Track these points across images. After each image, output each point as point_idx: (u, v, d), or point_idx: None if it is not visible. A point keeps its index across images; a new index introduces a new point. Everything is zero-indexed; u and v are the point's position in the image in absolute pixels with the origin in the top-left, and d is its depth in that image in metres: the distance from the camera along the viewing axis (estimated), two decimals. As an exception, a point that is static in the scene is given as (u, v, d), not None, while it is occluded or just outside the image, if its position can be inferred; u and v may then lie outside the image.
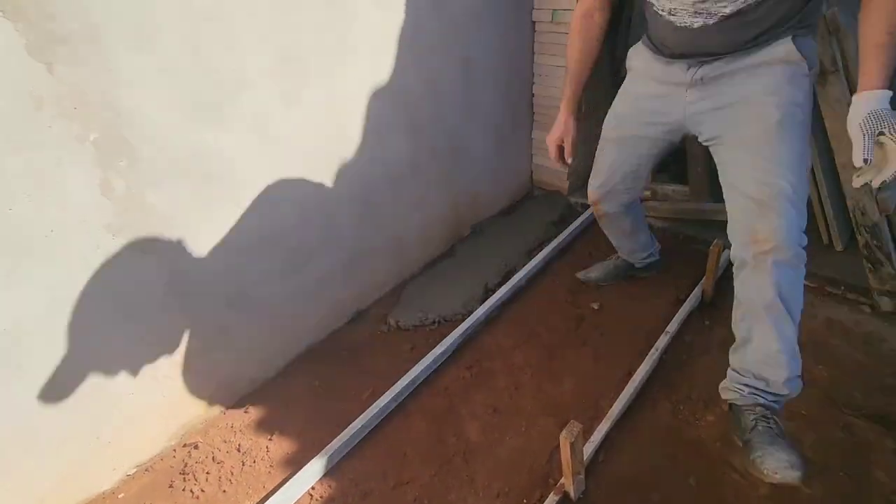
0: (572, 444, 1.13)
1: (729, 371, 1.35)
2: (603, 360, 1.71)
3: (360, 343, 1.86)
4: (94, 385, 1.31)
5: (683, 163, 2.29)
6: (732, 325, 1.33)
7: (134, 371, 1.38)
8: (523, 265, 2.14)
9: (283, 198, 1.56)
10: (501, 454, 1.45)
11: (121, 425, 1.40)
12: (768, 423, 1.22)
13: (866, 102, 1.03)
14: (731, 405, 1.34)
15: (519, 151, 2.55)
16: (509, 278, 2.07)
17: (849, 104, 1.60)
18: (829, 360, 1.65)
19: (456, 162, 2.19)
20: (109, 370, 1.33)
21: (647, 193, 2.38)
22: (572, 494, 1.28)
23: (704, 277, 1.89)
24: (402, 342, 1.85)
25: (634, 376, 1.59)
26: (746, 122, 1.22)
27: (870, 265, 1.72)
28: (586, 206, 2.53)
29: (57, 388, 1.24)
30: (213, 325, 1.51)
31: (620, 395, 1.53)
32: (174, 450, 1.51)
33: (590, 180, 1.71)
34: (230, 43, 1.29)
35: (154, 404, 1.45)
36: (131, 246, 1.26)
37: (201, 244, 1.41)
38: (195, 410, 1.56)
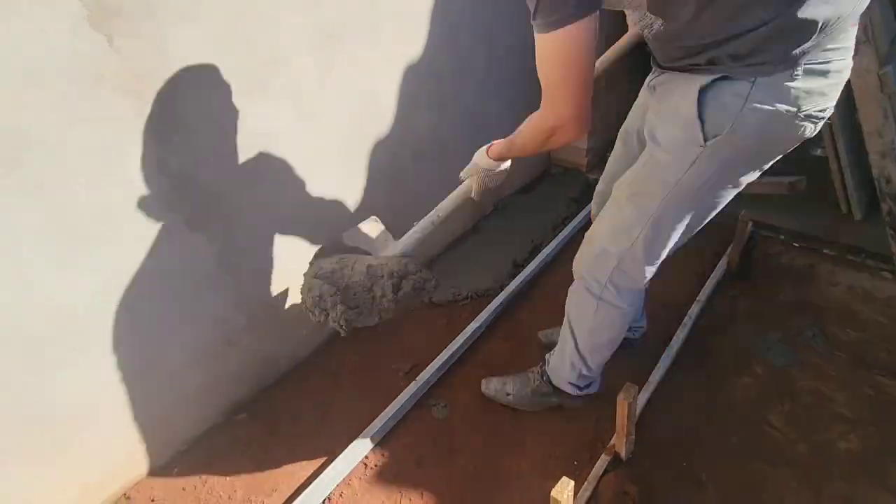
0: (629, 405, 1.17)
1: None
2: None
3: (395, 319, 1.88)
4: (148, 362, 1.32)
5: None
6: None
7: (186, 348, 1.39)
8: (549, 240, 2.17)
9: (320, 174, 1.56)
10: (548, 421, 1.49)
11: (175, 402, 1.41)
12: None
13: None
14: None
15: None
16: (536, 254, 2.10)
17: (878, 75, 1.63)
18: (854, 324, 1.70)
19: (478, 139, 2.17)
20: (163, 348, 1.34)
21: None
22: (623, 454, 1.33)
23: (731, 248, 1.93)
24: (436, 317, 1.88)
25: (671, 343, 1.63)
26: (640, 156, 1.11)
27: (893, 232, 1.77)
28: (605, 182, 2.56)
29: (115, 366, 1.25)
30: (258, 301, 1.52)
31: (659, 362, 1.58)
32: (227, 417, 1.54)
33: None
34: (274, 19, 1.28)
35: (206, 380, 1.47)
36: (184, 223, 1.26)
37: (247, 221, 1.41)
38: (245, 386, 1.58)
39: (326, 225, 1.63)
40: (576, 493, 1.19)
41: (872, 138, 1.71)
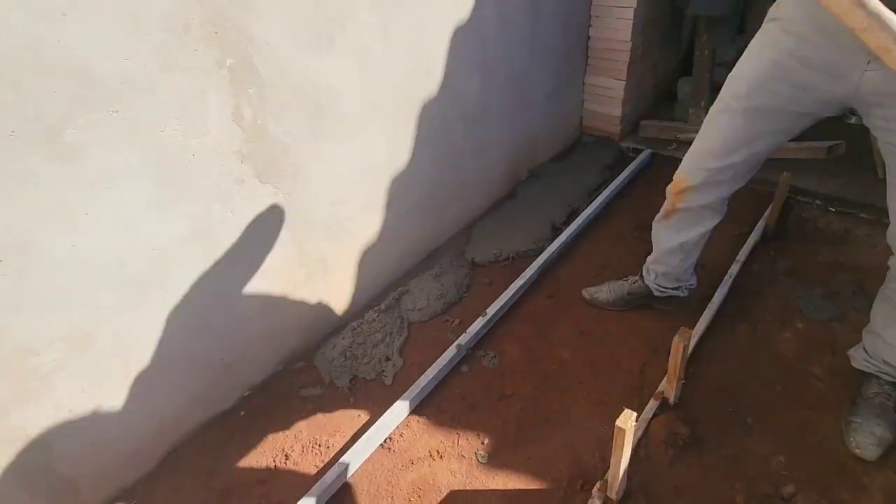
0: (684, 347, 1.23)
1: (862, 347, 1.39)
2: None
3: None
4: (220, 308, 1.39)
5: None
6: (872, 309, 1.35)
7: (253, 297, 1.46)
8: (586, 205, 2.21)
9: (375, 129, 1.60)
10: (595, 369, 1.55)
11: (242, 348, 1.49)
12: (888, 398, 1.31)
13: None
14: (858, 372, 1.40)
15: (573, 97, 2.57)
16: (574, 218, 2.14)
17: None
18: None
19: (519, 105, 2.22)
20: (233, 295, 1.41)
21: (702, 135, 2.42)
22: (671, 399, 1.39)
23: (769, 210, 1.96)
24: (479, 276, 1.93)
25: (713, 300, 1.68)
26: None
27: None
28: (638, 151, 2.58)
29: (192, 312, 1.32)
30: (314, 255, 1.58)
31: (702, 316, 1.62)
32: (286, 365, 1.61)
33: (687, 159, 1.40)
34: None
35: (268, 328, 1.54)
36: (255, 174, 1.32)
37: (311, 175, 1.46)
38: (301, 337, 1.65)
39: (379, 183, 1.69)
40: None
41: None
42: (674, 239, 1.51)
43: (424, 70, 1.70)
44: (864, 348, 1.38)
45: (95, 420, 1.22)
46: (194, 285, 1.30)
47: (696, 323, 1.61)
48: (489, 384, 1.54)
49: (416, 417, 1.47)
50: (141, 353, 1.26)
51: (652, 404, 1.38)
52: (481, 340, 1.67)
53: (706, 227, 1.48)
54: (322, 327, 1.72)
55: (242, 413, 1.51)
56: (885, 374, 1.34)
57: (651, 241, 1.61)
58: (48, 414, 1.14)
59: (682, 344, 1.21)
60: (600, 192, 2.29)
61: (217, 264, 1.32)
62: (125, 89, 1.02)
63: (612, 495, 1.19)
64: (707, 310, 1.64)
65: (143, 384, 1.28)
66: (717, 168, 1.33)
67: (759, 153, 1.29)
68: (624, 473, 1.16)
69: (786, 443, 1.32)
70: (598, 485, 1.21)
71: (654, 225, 1.58)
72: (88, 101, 0.98)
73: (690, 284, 1.65)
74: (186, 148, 1.16)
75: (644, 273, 1.68)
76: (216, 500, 1.29)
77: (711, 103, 1.34)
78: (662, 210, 1.53)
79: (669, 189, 1.48)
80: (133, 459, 1.34)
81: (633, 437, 1.28)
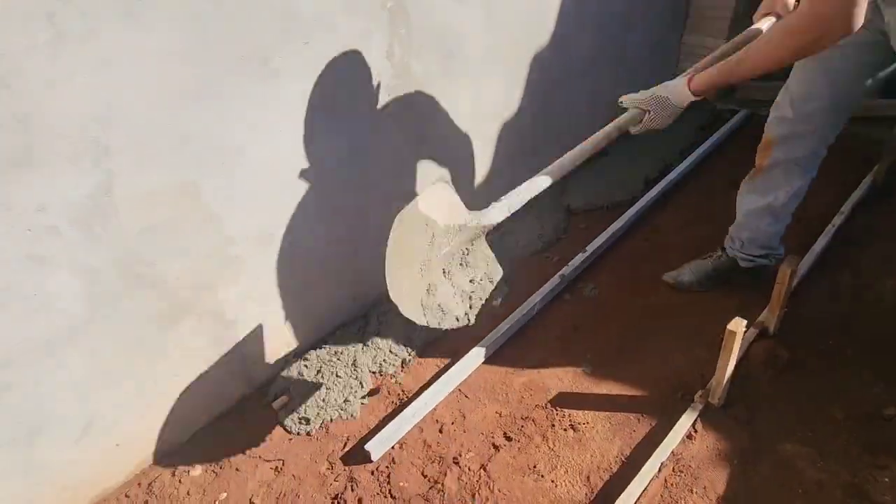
0: (791, 273, 1.31)
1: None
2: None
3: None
4: (343, 237, 1.61)
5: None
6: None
7: (378, 227, 1.67)
8: (679, 162, 2.26)
9: (494, 78, 1.76)
10: (692, 303, 1.65)
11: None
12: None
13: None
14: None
15: (667, 56, 2.60)
16: (667, 173, 2.21)
17: None
18: None
19: (618, 63, 2.30)
20: (361, 226, 1.62)
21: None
22: (771, 329, 1.47)
23: (877, 166, 1.94)
24: (575, 222, 2.06)
25: (814, 246, 1.71)
26: None
27: None
28: (734, 112, 2.58)
29: (345, 223, 1.55)
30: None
31: (803, 259, 1.67)
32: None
33: (771, 113, 1.42)
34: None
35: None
36: (397, 106, 1.51)
37: (440, 113, 1.64)
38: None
39: (490, 126, 1.85)
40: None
41: None
42: (760, 200, 1.50)
43: (537, 24, 1.83)
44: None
45: (266, 308, 1.49)
46: (348, 198, 1.52)
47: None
48: (590, 311, 1.68)
49: (525, 334, 1.64)
50: (306, 255, 1.50)
51: (751, 332, 1.47)
52: (581, 273, 1.81)
53: (794, 186, 1.46)
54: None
55: (326, 348, 1.74)
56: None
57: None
58: (236, 296, 1.40)
59: (789, 269, 1.30)
60: (693, 151, 2.33)
61: (366, 180, 1.54)
62: (316, 25, 1.23)
63: (714, 401, 1.31)
64: (808, 254, 1.69)
65: (303, 284, 1.53)
66: (797, 117, 1.34)
67: (838, 100, 1.31)
68: (727, 380, 1.27)
69: (887, 375, 1.37)
70: (700, 392, 1.33)
71: (742, 186, 1.56)
72: (290, 33, 1.20)
73: (778, 253, 1.60)
74: (351, 80, 1.37)
75: (728, 244, 1.64)
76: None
77: None
78: (750, 172, 1.54)
79: (758, 148, 1.50)
80: (288, 346, 1.60)
81: (736, 354, 1.38)
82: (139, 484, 1.39)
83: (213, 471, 1.40)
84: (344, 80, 1.36)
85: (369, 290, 1.76)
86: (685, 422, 1.29)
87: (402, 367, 1.59)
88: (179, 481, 1.38)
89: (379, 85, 1.44)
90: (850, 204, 1.86)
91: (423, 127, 1.62)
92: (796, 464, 1.22)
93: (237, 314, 1.43)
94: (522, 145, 2.02)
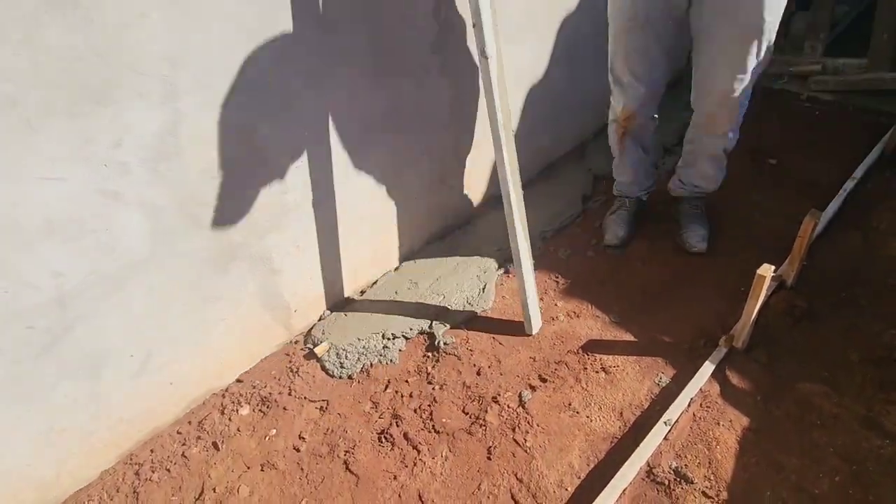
0: (814, 226, 1.38)
1: (677, 179, 1.85)
2: (792, 201, 1.92)
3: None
4: (395, 182, 1.66)
5: (860, 33, 2.34)
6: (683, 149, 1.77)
7: (419, 176, 1.72)
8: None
9: (527, 41, 1.80)
10: (713, 259, 1.73)
11: (407, 221, 1.77)
12: (697, 208, 1.81)
13: None
14: (675, 198, 1.87)
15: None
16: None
17: None
18: None
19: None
20: (404, 174, 1.67)
21: (817, 67, 2.45)
22: (789, 282, 1.55)
23: (888, 135, 2.02)
24: (598, 186, 2.13)
25: (827, 210, 1.79)
26: None
27: None
28: (746, 84, 2.63)
29: (392, 169, 1.60)
30: (465, 146, 1.83)
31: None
32: (428, 243, 1.89)
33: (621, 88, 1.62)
34: None
35: (425, 208, 1.81)
36: (438, 67, 1.55)
37: (476, 73, 1.68)
38: (442, 221, 1.92)
39: (520, 89, 1.89)
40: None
41: None
42: (632, 158, 1.80)
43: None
44: (679, 179, 1.84)
45: (310, 258, 1.54)
46: (391, 143, 1.57)
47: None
48: (615, 267, 1.76)
49: (552, 288, 1.71)
50: (350, 209, 1.55)
51: (771, 285, 1.54)
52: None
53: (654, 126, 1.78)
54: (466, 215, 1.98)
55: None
56: (695, 193, 1.82)
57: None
58: (284, 244, 1.45)
59: (812, 222, 1.37)
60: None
61: (398, 141, 1.59)
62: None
63: (738, 344, 1.40)
64: (823, 215, 1.77)
65: (345, 236, 1.58)
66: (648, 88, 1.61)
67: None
68: (751, 325, 1.36)
69: (897, 322, 1.46)
70: (724, 337, 1.42)
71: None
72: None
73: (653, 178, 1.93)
74: (401, 35, 1.41)
75: (627, 189, 1.89)
76: (393, 334, 1.60)
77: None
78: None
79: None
80: (329, 297, 1.66)
81: (763, 298, 1.46)
82: (189, 422, 1.45)
83: (260, 410, 1.47)
84: (396, 35, 1.40)
85: (410, 244, 1.82)
86: (711, 363, 1.38)
87: (436, 317, 1.65)
88: (229, 419, 1.45)
89: (425, 42, 1.48)
90: (861, 169, 1.94)
91: (460, 89, 1.66)
92: (814, 400, 1.31)
93: (283, 262, 1.48)
94: (547, 110, 2.06)
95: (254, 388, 1.52)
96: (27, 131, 0.95)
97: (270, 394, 1.50)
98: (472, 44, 1.60)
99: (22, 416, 1.16)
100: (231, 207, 1.30)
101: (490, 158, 1.92)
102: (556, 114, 2.11)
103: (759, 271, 1.25)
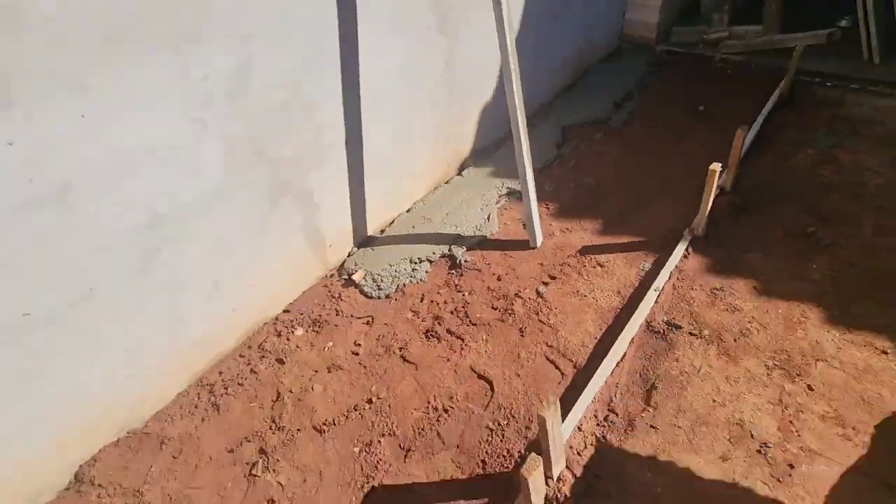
0: (742, 139, 1.80)
1: None
2: (720, 134, 2.37)
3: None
4: (405, 135, 1.91)
5: (759, 4, 2.89)
6: None
7: (425, 126, 1.98)
8: (638, 90, 2.76)
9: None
10: (664, 183, 2.13)
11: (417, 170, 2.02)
12: None
13: None
14: None
15: (619, 7, 3.09)
16: (630, 98, 2.70)
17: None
18: (876, 125, 2.34)
19: (586, 9, 2.74)
20: (413, 125, 1.93)
21: (725, 34, 2.98)
22: (727, 187, 1.97)
23: (783, 81, 2.54)
24: (569, 136, 2.49)
25: (748, 132, 2.25)
26: None
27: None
28: (672, 53, 3.13)
29: (406, 121, 1.84)
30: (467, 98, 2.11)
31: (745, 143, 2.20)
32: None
33: None
34: None
35: (434, 157, 2.07)
36: (437, 25, 1.82)
37: (472, 30, 1.97)
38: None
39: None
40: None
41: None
42: None
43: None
44: None
45: (342, 196, 1.75)
46: (402, 96, 1.82)
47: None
48: (592, 195, 2.11)
49: (545, 213, 2.02)
50: (376, 153, 1.78)
51: (716, 190, 1.95)
52: (580, 170, 2.23)
53: None
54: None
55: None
56: None
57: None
58: (323, 181, 1.65)
59: (742, 134, 1.78)
60: (645, 81, 2.84)
61: (413, 93, 1.84)
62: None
63: (698, 232, 1.78)
64: (747, 138, 2.22)
65: (373, 176, 1.81)
66: None
67: None
68: (706, 217, 1.74)
69: (807, 209, 1.91)
70: (687, 229, 1.80)
71: None
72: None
73: None
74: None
75: None
76: (418, 260, 1.84)
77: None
78: None
79: None
80: (359, 232, 1.87)
81: (714, 190, 1.84)
82: (249, 346, 1.61)
83: (313, 330, 1.66)
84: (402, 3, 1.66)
85: (420, 188, 2.07)
86: (681, 247, 1.75)
87: (453, 242, 1.91)
88: (287, 339, 1.63)
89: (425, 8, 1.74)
90: (767, 107, 2.43)
91: (455, 51, 1.94)
92: (756, 265, 1.71)
93: (322, 198, 1.68)
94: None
95: (302, 314, 1.70)
96: (137, 64, 1.11)
97: (320, 316, 1.69)
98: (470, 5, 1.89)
99: (117, 335, 1.29)
100: (284, 145, 1.49)
101: (480, 111, 2.21)
102: (528, 77, 2.44)
103: (710, 167, 1.63)
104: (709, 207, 1.72)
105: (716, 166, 1.63)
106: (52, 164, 1.05)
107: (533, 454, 1.04)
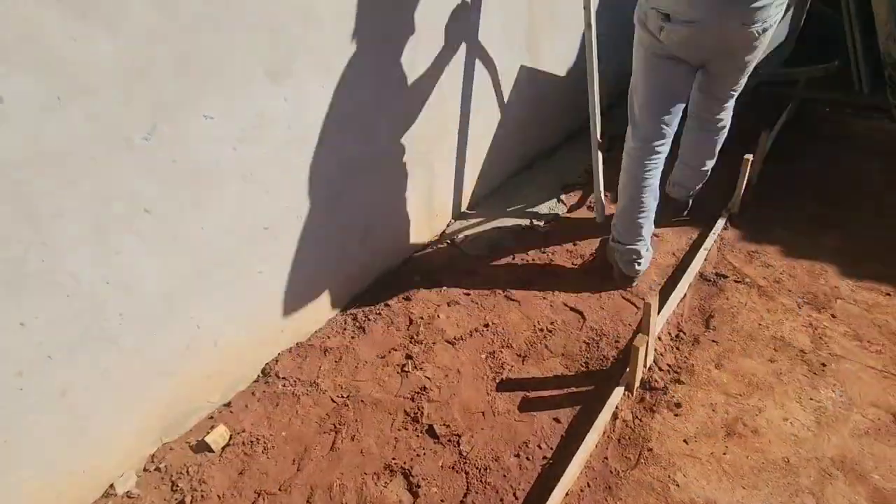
0: (767, 137, 2.26)
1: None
2: (739, 148, 2.84)
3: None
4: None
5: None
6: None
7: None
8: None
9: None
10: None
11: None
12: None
13: None
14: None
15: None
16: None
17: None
18: (867, 140, 2.83)
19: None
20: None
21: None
22: (753, 181, 2.42)
23: (790, 105, 3.05)
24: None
25: (766, 142, 2.72)
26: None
27: (891, 88, 2.90)
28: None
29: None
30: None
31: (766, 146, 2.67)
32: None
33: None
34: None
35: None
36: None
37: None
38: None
39: (521, 91, 2.70)
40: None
41: (881, 28, 2.82)
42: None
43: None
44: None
45: (451, 170, 2.18)
46: (501, 95, 2.28)
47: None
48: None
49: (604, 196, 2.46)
50: (472, 138, 2.22)
51: (746, 179, 2.40)
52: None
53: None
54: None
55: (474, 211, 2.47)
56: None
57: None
58: (442, 156, 2.09)
59: (765, 136, 2.25)
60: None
61: (505, 94, 2.31)
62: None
63: (735, 210, 2.22)
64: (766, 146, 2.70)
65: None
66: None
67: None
68: (741, 194, 2.18)
69: (820, 199, 2.36)
70: (726, 207, 2.23)
71: None
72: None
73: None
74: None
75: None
76: (505, 230, 2.26)
77: None
78: None
79: None
80: (452, 209, 2.29)
81: (746, 177, 2.27)
82: (379, 285, 2.00)
83: (429, 280, 2.05)
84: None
85: (499, 174, 2.50)
86: (721, 221, 2.18)
87: (534, 217, 2.33)
88: (410, 280, 2.02)
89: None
90: (780, 122, 2.92)
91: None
92: (781, 236, 2.14)
93: (440, 169, 2.11)
94: (544, 108, 2.89)
95: (418, 266, 2.10)
96: (236, 94, 1.56)
97: (432, 269, 2.09)
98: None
99: (293, 270, 1.68)
100: (425, 125, 1.93)
101: (549, 116, 2.68)
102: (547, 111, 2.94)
103: (744, 157, 2.08)
104: (742, 190, 2.17)
105: (748, 156, 2.08)
106: (303, 118, 1.48)
107: (641, 334, 1.43)
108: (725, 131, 2.01)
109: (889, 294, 1.83)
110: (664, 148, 1.82)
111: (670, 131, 1.79)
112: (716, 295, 1.89)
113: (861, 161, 2.63)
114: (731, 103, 1.92)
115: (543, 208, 2.39)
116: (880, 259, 1.99)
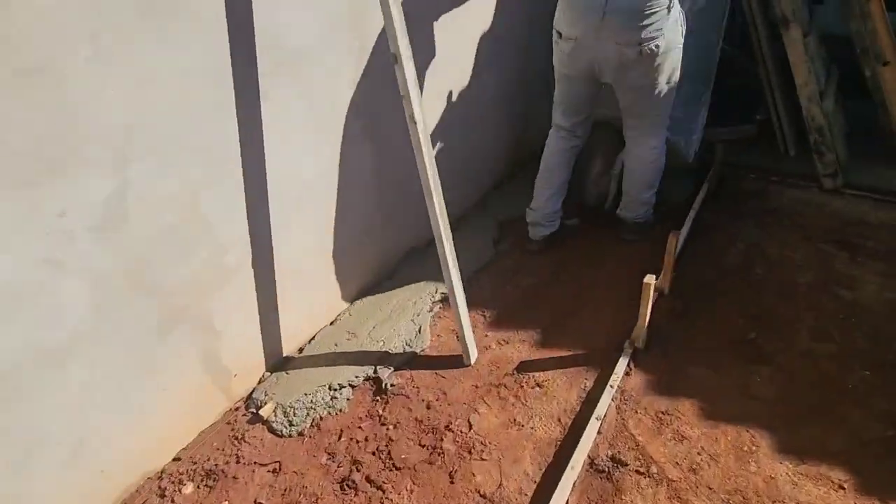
0: (676, 241, 1.76)
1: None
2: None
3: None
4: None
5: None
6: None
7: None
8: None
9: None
10: (604, 284, 2.06)
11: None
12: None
13: None
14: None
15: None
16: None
17: (803, 42, 2.37)
18: (798, 217, 2.41)
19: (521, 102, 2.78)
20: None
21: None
22: (665, 290, 1.91)
23: (710, 174, 2.62)
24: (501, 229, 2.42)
25: (681, 231, 2.25)
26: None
27: (817, 155, 2.51)
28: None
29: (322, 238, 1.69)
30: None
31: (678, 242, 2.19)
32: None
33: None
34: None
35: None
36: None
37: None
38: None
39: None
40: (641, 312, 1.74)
41: (802, 89, 2.44)
42: None
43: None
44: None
45: (249, 318, 1.55)
46: (325, 202, 1.68)
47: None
48: (531, 298, 2.00)
49: (480, 322, 1.88)
50: (287, 266, 1.61)
51: (654, 296, 1.89)
52: (518, 270, 2.13)
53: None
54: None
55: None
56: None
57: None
58: (226, 304, 1.46)
59: (674, 239, 1.75)
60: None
61: (335, 197, 1.72)
62: None
63: (639, 345, 1.68)
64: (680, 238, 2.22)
65: (282, 297, 1.63)
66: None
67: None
68: (646, 326, 1.65)
69: (746, 311, 1.87)
70: (627, 341, 1.70)
71: None
72: None
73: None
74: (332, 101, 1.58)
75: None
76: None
77: None
78: None
79: None
80: (268, 357, 1.66)
81: (651, 302, 1.75)
82: (123, 514, 1.32)
83: (206, 485, 1.39)
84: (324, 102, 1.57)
85: (344, 298, 1.89)
86: (622, 364, 1.63)
87: (379, 362, 1.72)
88: (172, 501, 1.35)
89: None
90: (697, 202, 2.47)
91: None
92: (701, 380, 1.61)
93: (225, 324, 1.48)
94: (460, 165, 2.35)
95: (195, 463, 1.44)
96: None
97: (216, 465, 1.43)
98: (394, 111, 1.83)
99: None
100: (175, 271, 1.30)
101: (406, 214, 2.11)
102: (462, 170, 2.40)
103: (645, 281, 1.56)
104: (647, 321, 1.64)
105: (650, 279, 1.56)
106: None
107: None
108: (652, 166, 2.14)
109: (843, 487, 1.31)
110: (574, 140, 2.13)
111: (581, 132, 2.13)
112: (610, 499, 1.32)
113: (791, 252, 2.18)
114: (650, 133, 2.06)
115: (398, 343, 1.78)
116: (824, 415, 1.49)
